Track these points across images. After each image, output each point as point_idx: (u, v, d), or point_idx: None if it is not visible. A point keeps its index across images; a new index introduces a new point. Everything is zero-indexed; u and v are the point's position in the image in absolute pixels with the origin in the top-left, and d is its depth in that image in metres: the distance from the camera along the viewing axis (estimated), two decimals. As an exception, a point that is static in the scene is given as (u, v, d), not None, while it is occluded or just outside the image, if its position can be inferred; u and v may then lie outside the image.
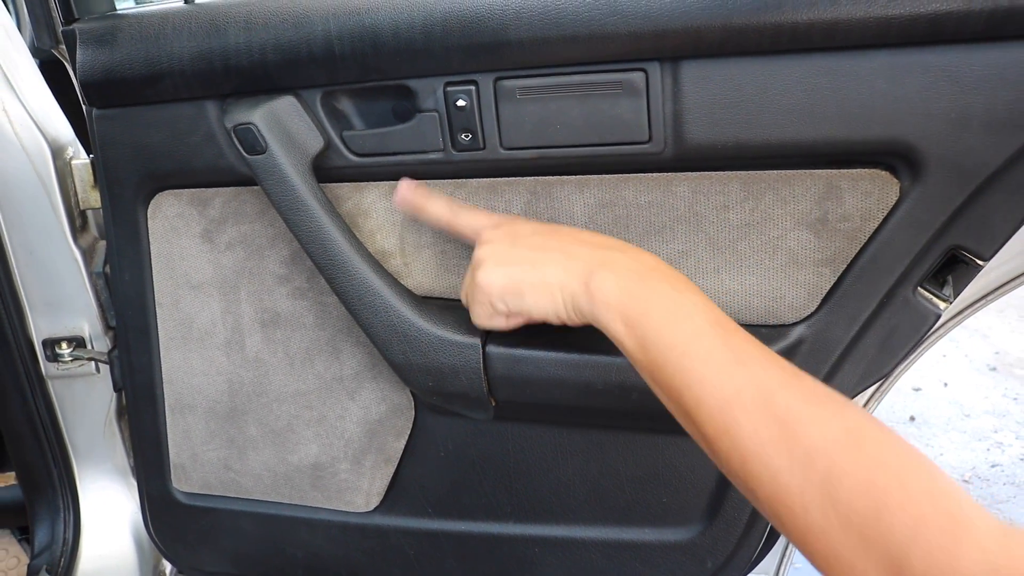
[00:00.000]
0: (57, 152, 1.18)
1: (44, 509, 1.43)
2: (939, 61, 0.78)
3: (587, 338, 0.92)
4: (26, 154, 1.16)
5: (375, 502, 1.16)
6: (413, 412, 1.08)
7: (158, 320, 1.13)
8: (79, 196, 1.21)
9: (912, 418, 2.72)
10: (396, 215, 0.98)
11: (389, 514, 1.16)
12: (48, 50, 1.12)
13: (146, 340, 1.14)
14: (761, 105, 0.83)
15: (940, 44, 0.78)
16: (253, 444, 1.17)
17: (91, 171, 1.18)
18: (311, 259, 0.97)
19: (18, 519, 1.59)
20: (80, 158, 1.21)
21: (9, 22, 1.21)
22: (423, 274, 1.00)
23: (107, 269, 1.21)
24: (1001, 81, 0.78)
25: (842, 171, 0.86)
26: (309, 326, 1.07)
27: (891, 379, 1.15)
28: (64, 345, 1.27)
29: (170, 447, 1.21)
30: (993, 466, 2.48)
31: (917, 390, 2.88)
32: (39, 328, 1.27)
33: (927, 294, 0.89)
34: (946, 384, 2.91)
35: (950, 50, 0.78)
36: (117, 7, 1.07)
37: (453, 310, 0.98)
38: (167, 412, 1.19)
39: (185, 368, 1.15)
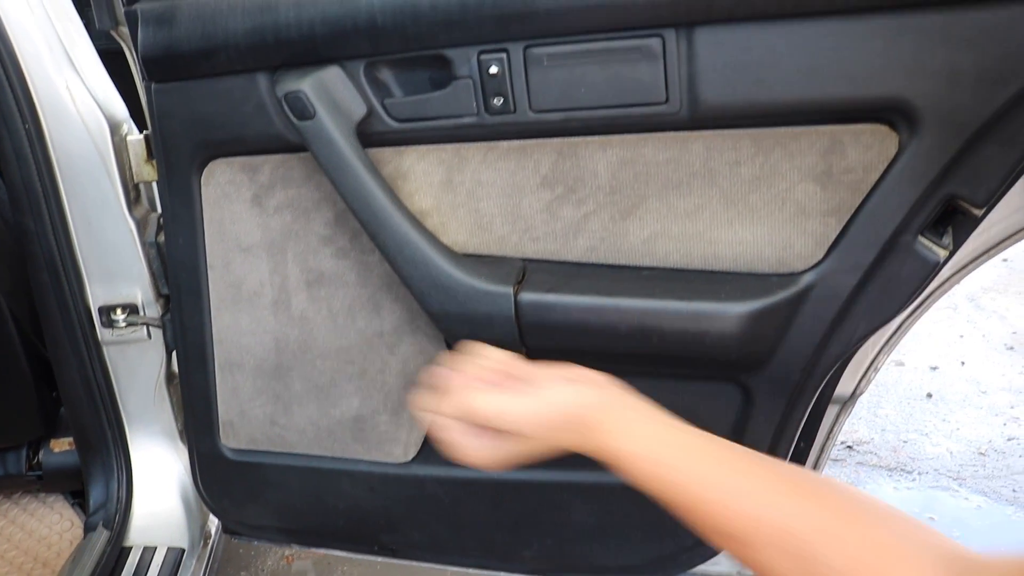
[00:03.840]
0: (114, 128, 1.26)
1: (99, 469, 1.52)
2: (931, 23, 0.85)
3: (612, 285, 1.00)
4: (86, 129, 1.24)
5: (412, 452, 1.23)
6: None
7: (210, 282, 1.21)
8: (133, 170, 1.29)
9: (929, 395, 2.77)
10: (433, 177, 1.06)
11: (426, 463, 1.24)
12: (106, 31, 1.20)
13: (198, 302, 1.22)
14: (769, 67, 0.90)
15: (932, 7, 0.85)
16: (298, 399, 1.25)
17: (144, 146, 1.27)
18: (356, 217, 1.05)
19: (70, 483, 1.68)
20: (134, 134, 1.29)
21: (71, 8, 1.29)
22: (459, 231, 1.08)
23: (159, 239, 1.30)
24: (988, 40, 0.84)
25: (845, 127, 0.93)
26: (351, 284, 1.15)
27: (899, 334, 1.21)
28: (119, 311, 1.36)
29: (219, 405, 1.29)
30: (1009, 439, 2.53)
31: (934, 368, 2.92)
32: (95, 295, 1.35)
33: (927, 242, 0.96)
34: (963, 363, 2.95)
35: (941, 12, 0.85)
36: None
37: (487, 263, 1.06)
38: (217, 371, 1.27)
39: (234, 328, 1.23)
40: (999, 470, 2.39)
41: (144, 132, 1.26)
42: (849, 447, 2.52)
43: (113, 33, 1.19)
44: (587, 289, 1.01)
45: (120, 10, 1.13)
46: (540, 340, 1.04)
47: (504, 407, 0.79)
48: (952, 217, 0.96)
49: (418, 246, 1.03)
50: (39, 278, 1.34)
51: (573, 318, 1.01)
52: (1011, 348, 3.04)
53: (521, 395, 0.79)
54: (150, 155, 1.27)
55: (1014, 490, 2.30)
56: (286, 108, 1.01)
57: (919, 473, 2.39)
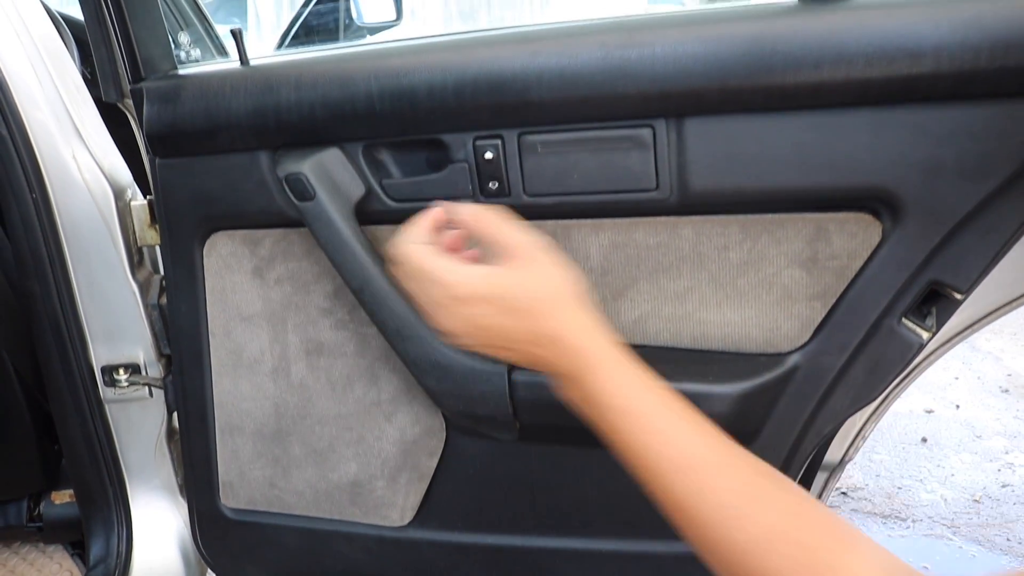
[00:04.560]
0: (118, 194, 1.29)
1: (99, 524, 1.54)
2: (913, 118, 0.88)
3: None
4: (91, 196, 1.27)
5: (409, 517, 1.25)
6: (444, 433, 1.18)
7: (211, 348, 1.23)
8: (137, 234, 1.32)
9: (924, 439, 2.78)
10: None
11: (422, 528, 1.26)
12: (113, 103, 1.23)
13: (199, 367, 1.25)
14: (756, 157, 0.93)
15: (914, 102, 0.88)
16: (297, 463, 1.27)
17: (148, 211, 1.29)
18: (353, 294, 1.07)
19: (70, 535, 1.69)
20: (138, 200, 1.32)
21: (78, 77, 1.33)
22: None
23: (161, 301, 1.32)
24: (969, 135, 0.87)
25: (830, 214, 0.96)
26: (350, 354, 1.17)
27: (886, 403, 1.24)
28: (121, 371, 1.38)
29: (219, 466, 1.31)
30: (1004, 486, 2.54)
31: (929, 412, 2.94)
32: (98, 356, 1.37)
33: (911, 324, 0.99)
34: (958, 406, 2.97)
35: (923, 108, 0.88)
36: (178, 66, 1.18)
37: None
38: (217, 433, 1.29)
39: (235, 393, 1.25)
40: (993, 518, 2.41)
41: (148, 197, 1.29)
42: (843, 493, 2.53)
43: (119, 105, 1.22)
44: None
45: (126, 85, 1.16)
46: (533, 417, 1.07)
47: (484, 211, 0.80)
48: (935, 299, 0.99)
49: (414, 325, 1.06)
50: (43, 339, 1.36)
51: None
52: (1006, 391, 3.05)
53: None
54: (153, 220, 1.30)
55: (1008, 539, 2.32)
56: (287, 189, 1.04)
57: (913, 520, 2.41)
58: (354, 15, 2.95)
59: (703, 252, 1.00)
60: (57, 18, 2.02)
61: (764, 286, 1.00)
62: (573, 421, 1.05)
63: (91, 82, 1.33)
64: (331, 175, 1.04)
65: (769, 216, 0.97)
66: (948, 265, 0.94)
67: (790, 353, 1.01)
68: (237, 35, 1.09)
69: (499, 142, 0.99)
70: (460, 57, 0.99)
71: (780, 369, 1.01)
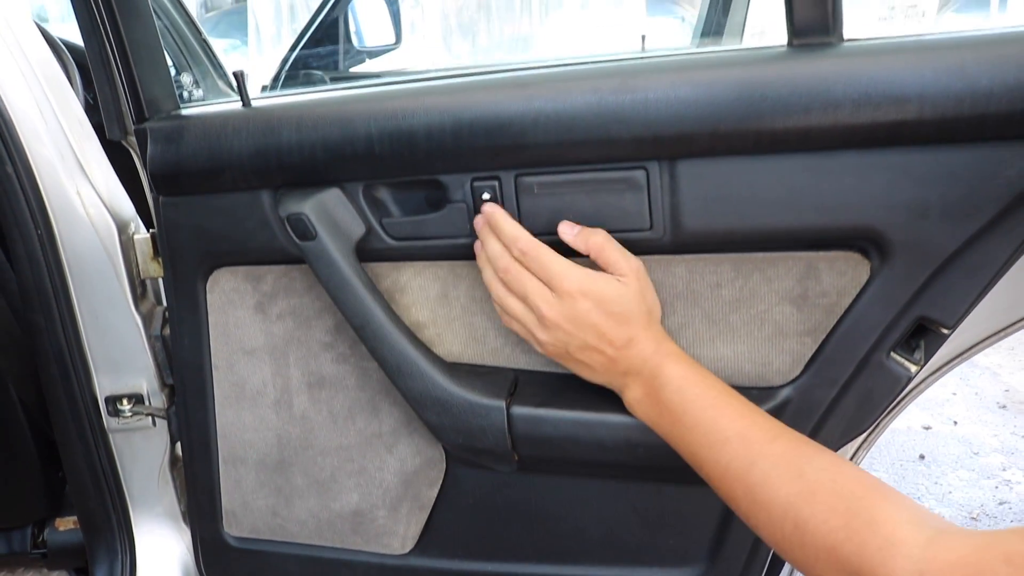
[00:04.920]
0: (121, 228, 1.31)
1: (103, 551, 1.55)
2: (899, 160, 0.91)
3: (600, 400, 1.04)
4: (95, 230, 1.29)
5: (410, 545, 1.27)
6: (445, 464, 1.20)
7: (214, 381, 1.25)
8: (140, 267, 1.34)
9: (921, 456, 2.80)
10: (429, 291, 1.11)
11: (422, 556, 1.27)
12: (116, 140, 1.25)
13: (202, 398, 1.27)
14: (747, 198, 0.96)
15: (899, 146, 0.90)
16: (299, 493, 1.29)
17: (151, 244, 1.31)
18: (354, 330, 1.09)
19: (74, 561, 1.70)
20: (141, 233, 1.34)
21: (80, 110, 1.35)
22: (453, 343, 1.13)
23: (165, 332, 1.34)
24: (953, 177, 0.90)
25: (819, 253, 0.98)
26: (351, 388, 1.19)
27: (877, 433, 1.26)
28: (125, 402, 1.40)
29: (222, 495, 1.33)
30: (1001, 504, 2.56)
31: (927, 428, 2.95)
32: (102, 386, 1.39)
33: (899, 358, 1.01)
34: (956, 422, 2.98)
35: (908, 151, 0.90)
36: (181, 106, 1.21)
37: (480, 375, 1.11)
38: (220, 463, 1.31)
39: (238, 424, 1.27)
40: (990, 535, 2.42)
41: (151, 231, 1.31)
42: (842, 511, 2.55)
43: (124, 143, 1.24)
44: (576, 403, 1.05)
45: (130, 124, 1.18)
46: (531, 450, 1.09)
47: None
48: (923, 333, 1.01)
49: (414, 360, 1.08)
50: (48, 371, 1.38)
51: (562, 431, 1.06)
52: (1004, 407, 3.07)
53: None
54: (156, 253, 1.32)
55: (1005, 557, 2.32)
56: (289, 228, 1.06)
57: (911, 538, 2.41)
58: (354, 39, 2.98)
59: (696, 290, 1.03)
60: (59, 45, 2.05)
61: (756, 322, 1.02)
62: (569, 454, 1.08)
63: (93, 108, 1.35)
64: (332, 215, 1.06)
65: (760, 255, 1.00)
66: (935, 301, 0.96)
67: (782, 387, 1.03)
68: (239, 77, 1.11)
69: (496, 183, 1.01)
70: (458, 100, 1.01)
71: (772, 403, 1.03)
